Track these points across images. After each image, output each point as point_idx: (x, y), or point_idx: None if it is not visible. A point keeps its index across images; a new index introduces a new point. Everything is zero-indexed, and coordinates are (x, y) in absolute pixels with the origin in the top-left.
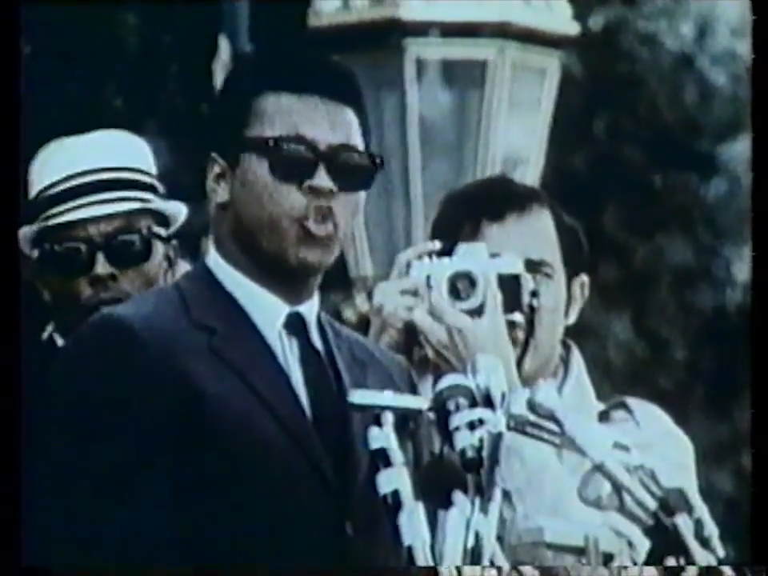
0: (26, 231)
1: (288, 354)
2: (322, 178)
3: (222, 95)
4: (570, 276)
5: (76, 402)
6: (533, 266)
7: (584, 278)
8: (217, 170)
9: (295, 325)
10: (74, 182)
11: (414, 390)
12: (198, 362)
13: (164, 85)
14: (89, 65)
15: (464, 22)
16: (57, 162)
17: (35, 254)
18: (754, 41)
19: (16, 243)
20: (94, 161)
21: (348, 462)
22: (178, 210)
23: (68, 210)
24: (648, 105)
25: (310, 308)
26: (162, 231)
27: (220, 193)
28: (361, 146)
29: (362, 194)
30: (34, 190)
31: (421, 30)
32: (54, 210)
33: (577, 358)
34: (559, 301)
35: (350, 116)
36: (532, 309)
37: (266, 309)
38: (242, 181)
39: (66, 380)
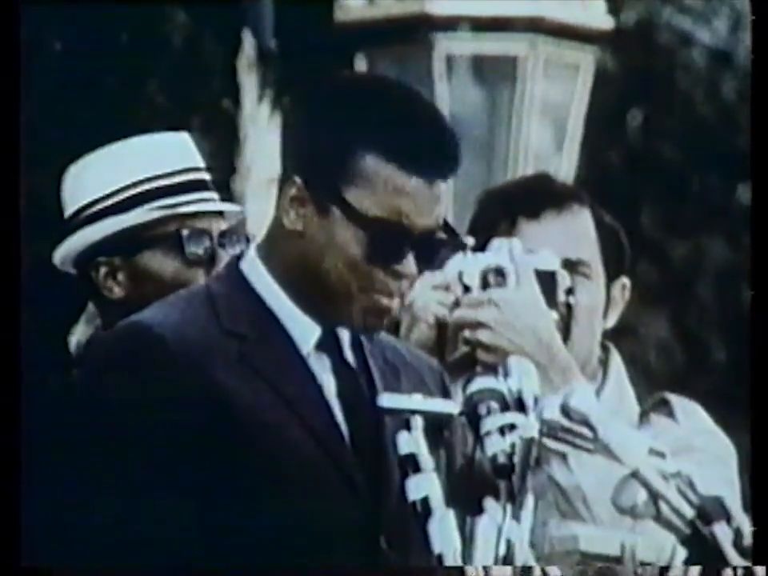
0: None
1: (319, 364)
2: (409, 265)
3: (319, 129)
4: (611, 278)
5: (103, 410)
6: (570, 266)
7: (624, 280)
8: (294, 192)
9: (328, 343)
10: (148, 186)
11: (446, 394)
12: (227, 372)
13: (193, 82)
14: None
15: (495, 17)
16: (111, 169)
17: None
18: (754, 41)
19: (16, 243)
20: (161, 164)
21: (381, 476)
22: (237, 212)
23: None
24: (684, 102)
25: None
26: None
27: (292, 218)
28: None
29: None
30: (82, 202)
31: (450, 24)
32: (140, 209)
33: (617, 362)
34: (598, 302)
35: (441, 192)
36: (569, 307)
37: (299, 326)
38: (324, 227)
39: (93, 387)
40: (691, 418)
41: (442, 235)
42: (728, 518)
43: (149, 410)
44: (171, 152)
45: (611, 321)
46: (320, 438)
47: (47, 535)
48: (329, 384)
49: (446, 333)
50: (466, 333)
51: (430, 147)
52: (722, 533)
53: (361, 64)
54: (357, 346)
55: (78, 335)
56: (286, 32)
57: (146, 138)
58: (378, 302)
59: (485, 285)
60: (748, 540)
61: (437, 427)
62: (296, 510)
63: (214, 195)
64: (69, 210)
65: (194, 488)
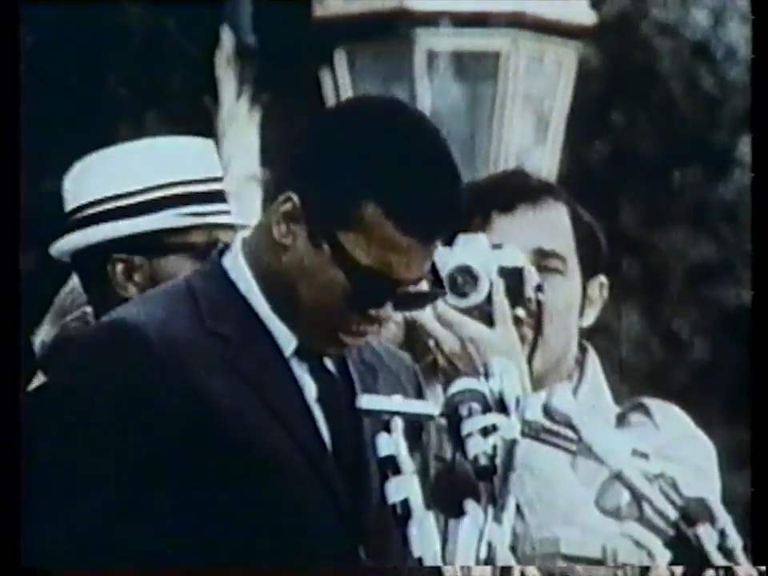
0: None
1: (300, 368)
2: (386, 312)
3: (323, 161)
4: (587, 276)
5: (85, 410)
6: (543, 256)
7: (602, 279)
8: (288, 207)
9: (307, 352)
10: (168, 192)
11: (420, 392)
12: (211, 373)
13: (167, 77)
14: (90, 57)
15: (476, 12)
16: (135, 166)
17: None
18: (754, 40)
19: (15, 243)
20: (191, 170)
21: (361, 481)
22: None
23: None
24: (666, 97)
25: None
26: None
27: (282, 231)
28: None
29: None
30: (101, 195)
31: (430, 20)
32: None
33: (593, 361)
34: (572, 299)
35: (433, 249)
36: (539, 304)
37: (279, 331)
38: (311, 255)
39: (76, 386)
40: (670, 421)
41: (424, 286)
42: (712, 520)
43: (131, 410)
44: (200, 158)
45: (588, 320)
46: (301, 442)
47: (47, 535)
48: (309, 389)
49: (414, 332)
50: (431, 342)
51: (433, 209)
52: (706, 534)
53: (340, 60)
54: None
55: (42, 336)
56: (264, 27)
57: (173, 139)
58: (348, 339)
59: (453, 286)
60: (732, 542)
61: (416, 429)
62: (276, 513)
63: (231, 208)
64: (78, 201)
65: (175, 489)
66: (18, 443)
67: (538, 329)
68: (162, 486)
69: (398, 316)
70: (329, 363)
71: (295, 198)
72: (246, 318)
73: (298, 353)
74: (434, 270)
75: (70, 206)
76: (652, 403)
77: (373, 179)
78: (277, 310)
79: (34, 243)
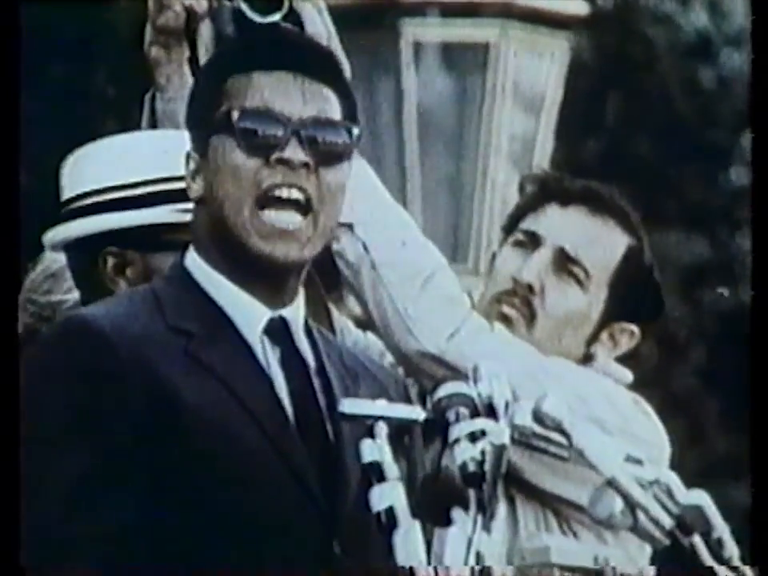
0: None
1: (270, 358)
2: (293, 151)
3: (195, 81)
4: (618, 314)
5: (45, 410)
6: (565, 258)
7: (634, 328)
8: (192, 165)
9: (278, 330)
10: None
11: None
12: (174, 368)
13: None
14: (79, 50)
15: (464, 2)
16: (135, 158)
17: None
18: (754, 40)
19: (15, 243)
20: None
21: (336, 476)
22: None
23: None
24: (663, 91)
25: (295, 312)
26: None
27: (195, 188)
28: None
29: (343, 184)
30: (96, 185)
31: (418, 10)
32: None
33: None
34: (576, 315)
35: (328, 93)
36: (530, 289)
37: (247, 312)
38: (213, 169)
39: (34, 387)
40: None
41: (329, 127)
42: (709, 528)
43: (89, 409)
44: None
45: (602, 355)
46: (271, 437)
47: (47, 535)
48: (278, 378)
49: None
50: None
51: (291, 44)
52: (702, 543)
53: None
54: (310, 337)
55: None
56: (245, 18)
57: (176, 133)
58: (273, 218)
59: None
60: (729, 551)
61: (399, 434)
62: (246, 513)
63: None
64: (74, 191)
65: (141, 488)
66: (18, 443)
67: (530, 323)
68: (127, 487)
69: None
70: (304, 348)
71: (190, 151)
72: (211, 314)
73: (269, 331)
74: (348, 119)
75: (65, 195)
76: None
77: (235, 55)
78: (236, 277)
79: (31, 243)
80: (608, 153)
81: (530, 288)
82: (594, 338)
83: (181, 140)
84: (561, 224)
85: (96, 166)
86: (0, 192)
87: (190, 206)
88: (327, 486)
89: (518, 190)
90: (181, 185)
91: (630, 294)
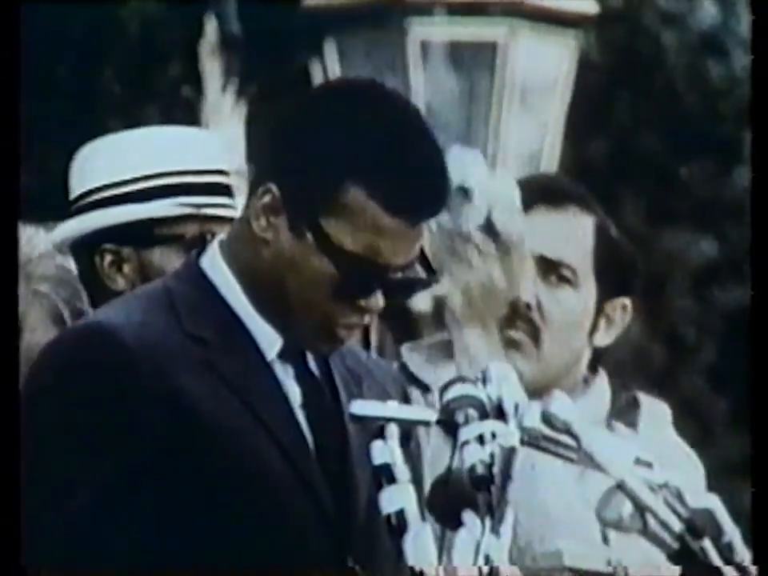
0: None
1: (283, 372)
2: (376, 301)
3: (304, 148)
4: (608, 295)
5: (61, 420)
6: (548, 265)
7: (626, 301)
8: (268, 200)
9: (291, 353)
10: (172, 180)
11: (407, 403)
12: (191, 378)
13: (157, 70)
14: (81, 51)
15: (472, 1)
16: (135, 154)
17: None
18: (754, 40)
19: (15, 243)
20: (192, 160)
21: (348, 491)
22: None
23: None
24: (671, 90)
25: None
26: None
27: (262, 225)
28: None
29: None
30: (97, 183)
31: (424, 9)
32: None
33: (602, 382)
34: (580, 314)
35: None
36: (539, 310)
37: (262, 333)
38: (295, 247)
39: (51, 393)
40: (654, 426)
41: (414, 272)
42: (719, 532)
43: (109, 417)
44: (203, 149)
45: (604, 340)
46: (285, 447)
47: (47, 535)
48: (293, 394)
49: None
50: None
51: (418, 189)
52: (712, 548)
53: (330, 51)
54: (320, 355)
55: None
56: (251, 16)
57: (179, 129)
58: (338, 332)
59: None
60: (740, 555)
61: (405, 437)
62: (259, 520)
63: (236, 203)
64: (80, 189)
65: (158, 497)
66: (18, 444)
67: (535, 340)
68: (142, 493)
69: None
70: (313, 366)
71: (274, 188)
72: (227, 321)
73: (282, 355)
74: (423, 256)
75: (72, 194)
76: (644, 401)
77: (354, 161)
78: (261, 308)
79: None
80: (617, 151)
81: (528, 306)
82: (594, 328)
83: (179, 135)
84: (530, 231)
85: (99, 163)
86: (0, 192)
87: (188, 200)
88: (339, 501)
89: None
90: (176, 179)
91: (613, 271)
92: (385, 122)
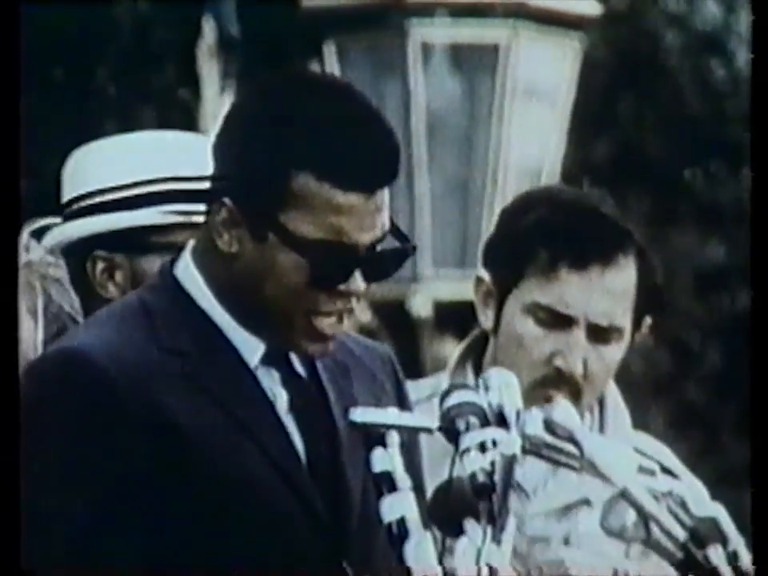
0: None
1: (268, 378)
2: (356, 282)
3: (254, 152)
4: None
5: (40, 454)
6: (598, 332)
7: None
8: (224, 215)
9: (275, 357)
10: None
11: (399, 385)
12: (172, 393)
13: (153, 71)
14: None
15: (474, 2)
16: (126, 160)
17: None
18: (754, 40)
19: (15, 244)
20: (184, 166)
21: (340, 497)
22: None
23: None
24: (675, 91)
25: None
26: None
27: (225, 240)
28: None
29: None
30: (89, 188)
31: (426, 10)
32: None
33: (612, 392)
34: (617, 359)
35: (386, 195)
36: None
37: (242, 340)
38: (261, 252)
39: (35, 425)
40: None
41: (387, 245)
42: (723, 541)
43: (92, 444)
44: (196, 155)
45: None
46: (273, 456)
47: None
48: (280, 399)
49: None
50: None
51: (365, 158)
52: (716, 556)
53: (329, 53)
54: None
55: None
56: (250, 17)
57: (172, 134)
58: (324, 325)
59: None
60: (745, 564)
61: (402, 444)
62: (253, 539)
63: None
64: (72, 193)
65: (147, 516)
66: (18, 444)
67: (577, 398)
68: (131, 515)
69: None
70: (299, 368)
71: (228, 201)
72: (205, 331)
73: (266, 360)
74: (393, 227)
75: (64, 198)
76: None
77: (295, 148)
78: (239, 318)
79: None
80: (620, 153)
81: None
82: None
83: (172, 141)
84: (585, 296)
85: (90, 168)
86: (0, 193)
87: (178, 207)
88: (333, 508)
89: (505, 233)
90: (164, 186)
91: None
92: (320, 101)
